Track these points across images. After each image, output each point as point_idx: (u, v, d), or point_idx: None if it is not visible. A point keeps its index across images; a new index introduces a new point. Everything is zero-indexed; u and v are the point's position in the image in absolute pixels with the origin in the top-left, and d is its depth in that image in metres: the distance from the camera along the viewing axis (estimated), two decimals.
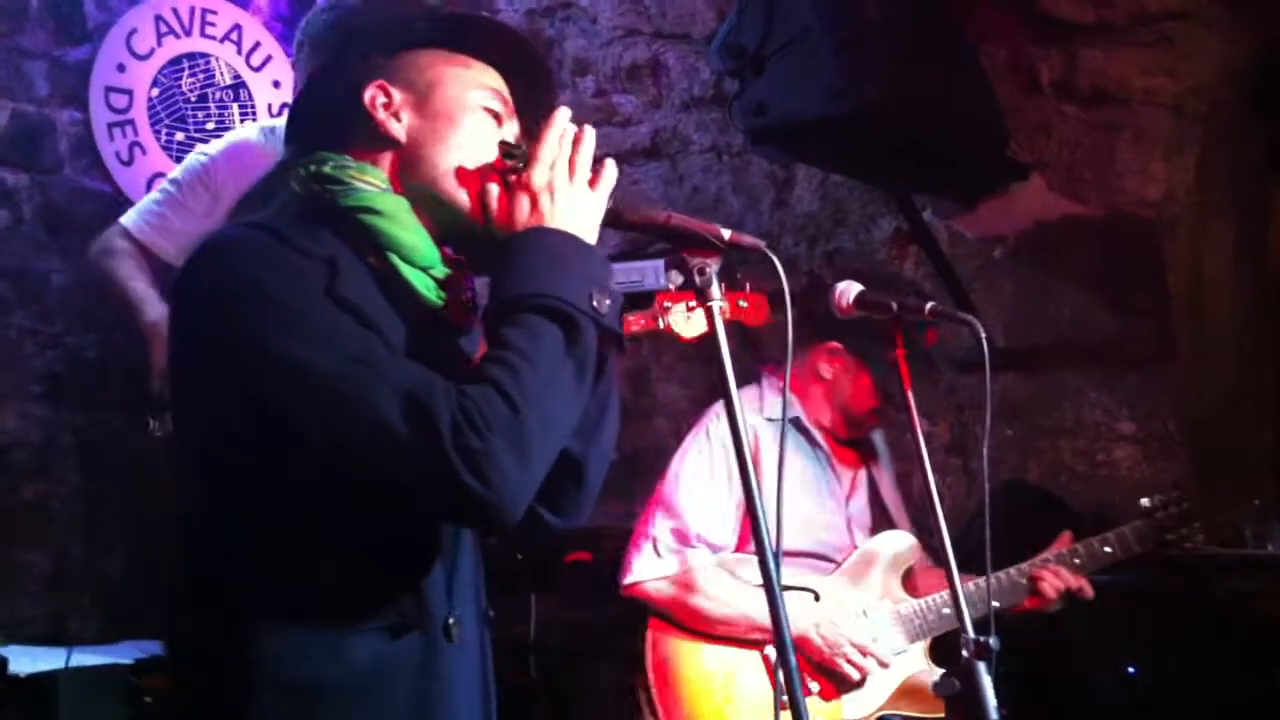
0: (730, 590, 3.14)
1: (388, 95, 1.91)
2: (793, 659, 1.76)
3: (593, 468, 1.94)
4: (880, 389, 3.36)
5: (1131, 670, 3.75)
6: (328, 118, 1.94)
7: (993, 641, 2.33)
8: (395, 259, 1.82)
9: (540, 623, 4.09)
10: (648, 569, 3.18)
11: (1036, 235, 4.23)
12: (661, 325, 2.59)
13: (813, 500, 3.33)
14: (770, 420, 3.30)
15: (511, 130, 1.95)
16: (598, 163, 1.88)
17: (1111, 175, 4.05)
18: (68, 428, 4.44)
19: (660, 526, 3.21)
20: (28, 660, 3.61)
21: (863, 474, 3.46)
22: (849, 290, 2.61)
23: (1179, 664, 3.69)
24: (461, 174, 1.87)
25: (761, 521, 1.79)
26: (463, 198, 1.86)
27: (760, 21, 3.52)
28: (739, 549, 3.22)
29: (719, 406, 3.25)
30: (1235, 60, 4.02)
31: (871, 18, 3.51)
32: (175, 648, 1.90)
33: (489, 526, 1.76)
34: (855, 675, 3.16)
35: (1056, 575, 3.28)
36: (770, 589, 1.78)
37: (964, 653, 2.34)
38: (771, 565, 1.78)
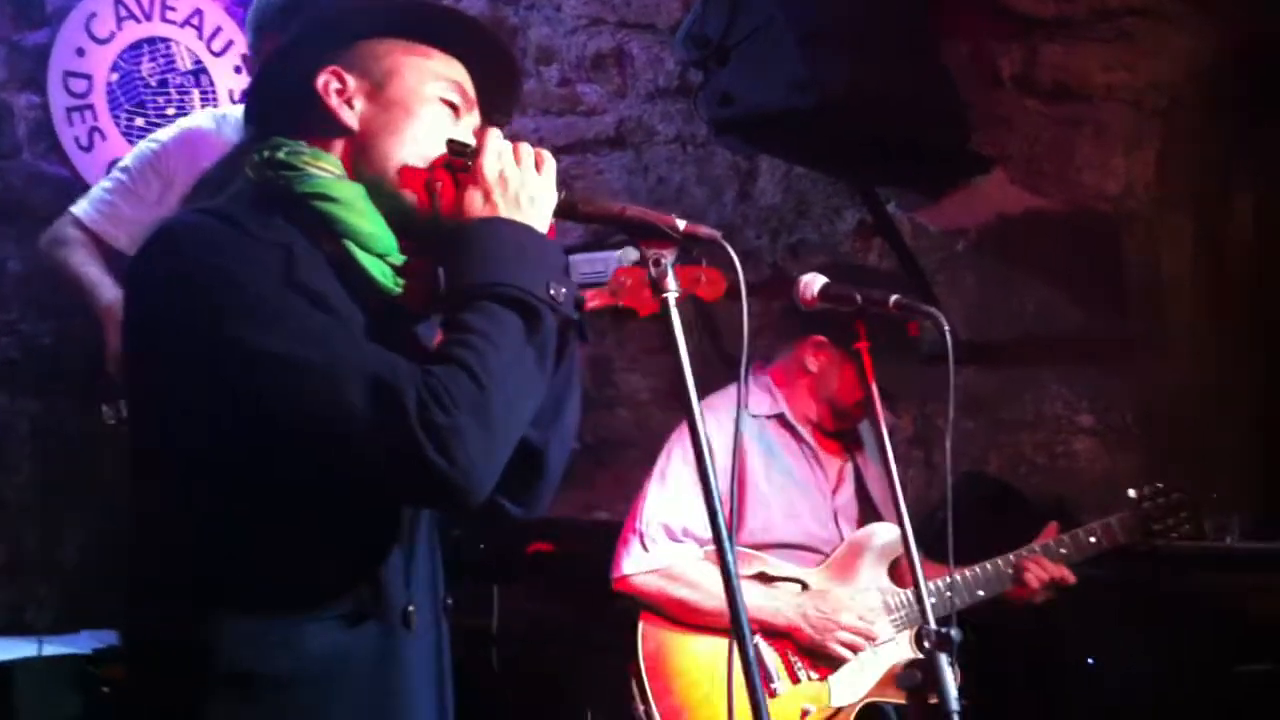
0: (716, 582, 3.14)
1: (341, 82, 1.89)
2: (750, 645, 1.76)
3: (553, 456, 1.94)
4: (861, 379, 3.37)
5: (1090, 662, 3.78)
6: (281, 103, 1.91)
7: (955, 633, 2.34)
8: (351, 246, 1.81)
9: (502, 613, 4.09)
10: (636, 563, 3.21)
11: (999, 228, 4.25)
12: (619, 300, 2.57)
13: (799, 494, 3.35)
14: (755, 416, 3.35)
15: (470, 122, 1.93)
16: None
17: (1071, 169, 4.08)
18: (23, 415, 4.40)
19: (647, 521, 3.24)
20: None
21: (849, 466, 3.47)
22: (813, 283, 2.61)
23: (1139, 657, 3.72)
24: (411, 166, 1.86)
25: (719, 513, 1.79)
26: (412, 189, 1.85)
27: (725, 12, 3.52)
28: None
29: (706, 400, 3.26)
30: (1196, 57, 4.05)
31: (835, 10, 3.52)
32: (129, 636, 1.88)
33: (452, 506, 1.75)
34: (848, 655, 3.20)
35: (1041, 565, 3.32)
36: (727, 576, 1.79)
37: (925, 644, 2.35)
38: (729, 555, 1.79)
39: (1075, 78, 3.97)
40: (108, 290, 3.53)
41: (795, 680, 3.19)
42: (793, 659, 3.21)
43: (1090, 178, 4.07)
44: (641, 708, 3.14)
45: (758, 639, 3.15)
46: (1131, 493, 3.43)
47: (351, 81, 1.89)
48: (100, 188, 3.75)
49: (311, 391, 1.65)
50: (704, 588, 3.15)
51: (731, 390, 3.35)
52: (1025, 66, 3.99)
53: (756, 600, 3.14)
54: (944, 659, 2.32)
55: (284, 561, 1.75)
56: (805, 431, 3.41)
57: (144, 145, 3.74)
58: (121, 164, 3.76)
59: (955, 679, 2.33)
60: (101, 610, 4.08)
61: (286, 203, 1.81)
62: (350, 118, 1.88)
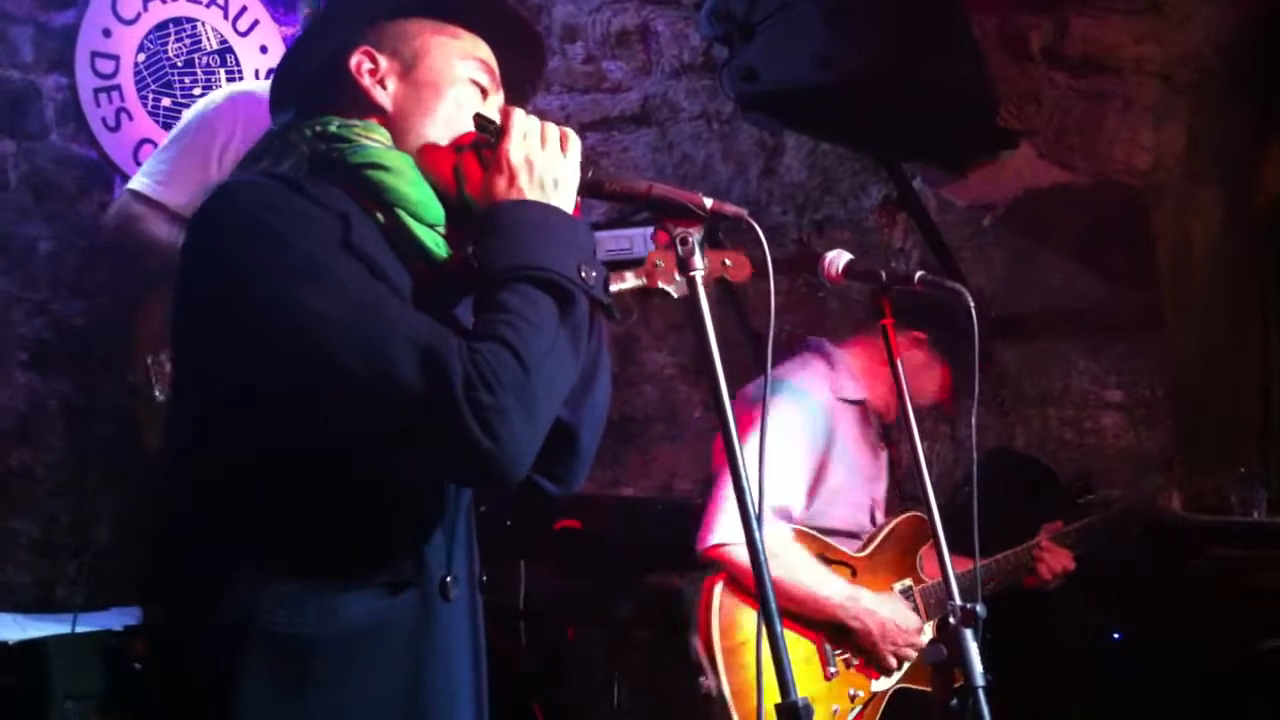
0: (806, 564, 3.17)
1: (374, 62, 1.90)
2: (777, 621, 1.76)
3: (586, 434, 1.95)
4: (954, 386, 3.37)
5: (1117, 636, 3.77)
6: (314, 82, 1.93)
7: (979, 608, 2.34)
8: (404, 215, 1.82)
9: (529, 589, 4.11)
10: (729, 533, 3.12)
11: (1025, 203, 4.23)
12: (653, 283, 2.57)
13: (857, 481, 3.36)
14: (848, 401, 3.34)
15: (497, 102, 1.94)
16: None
17: (1100, 143, 4.05)
18: (54, 395, 4.43)
19: None
20: (16, 628, 3.61)
21: (886, 455, 3.48)
22: (838, 259, 2.61)
23: (1164, 631, 3.71)
24: (436, 145, 1.87)
25: (745, 490, 1.78)
26: (438, 171, 1.86)
27: None
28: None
29: (783, 373, 3.28)
30: (1224, 30, 4.02)
31: None
32: (159, 602, 1.85)
33: (491, 483, 1.76)
34: (895, 666, 3.23)
35: (1054, 556, 3.39)
36: (755, 553, 1.78)
37: (951, 620, 2.35)
38: (756, 531, 1.79)
39: (1104, 51, 3.94)
40: None
41: (847, 666, 3.21)
42: (839, 649, 3.22)
43: (1119, 152, 4.04)
44: (710, 681, 3.08)
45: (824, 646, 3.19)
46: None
47: (383, 62, 1.90)
48: (153, 159, 3.78)
49: (361, 358, 1.65)
50: (795, 568, 3.14)
51: (815, 367, 3.36)
52: (1054, 40, 3.97)
53: (835, 589, 3.17)
54: (969, 634, 2.32)
55: (326, 529, 1.75)
56: (875, 421, 3.41)
57: (193, 110, 3.79)
58: (171, 133, 3.80)
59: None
60: (132, 588, 4.11)
61: (340, 173, 1.82)
62: (384, 98, 1.89)
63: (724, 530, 3.14)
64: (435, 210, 1.84)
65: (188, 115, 3.82)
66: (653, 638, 4.08)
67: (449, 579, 1.85)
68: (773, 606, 1.75)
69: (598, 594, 4.17)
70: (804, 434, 3.26)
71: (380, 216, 1.82)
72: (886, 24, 3.55)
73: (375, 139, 1.85)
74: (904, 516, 3.41)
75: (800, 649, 3.15)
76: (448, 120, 1.88)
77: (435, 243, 1.83)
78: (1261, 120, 4.31)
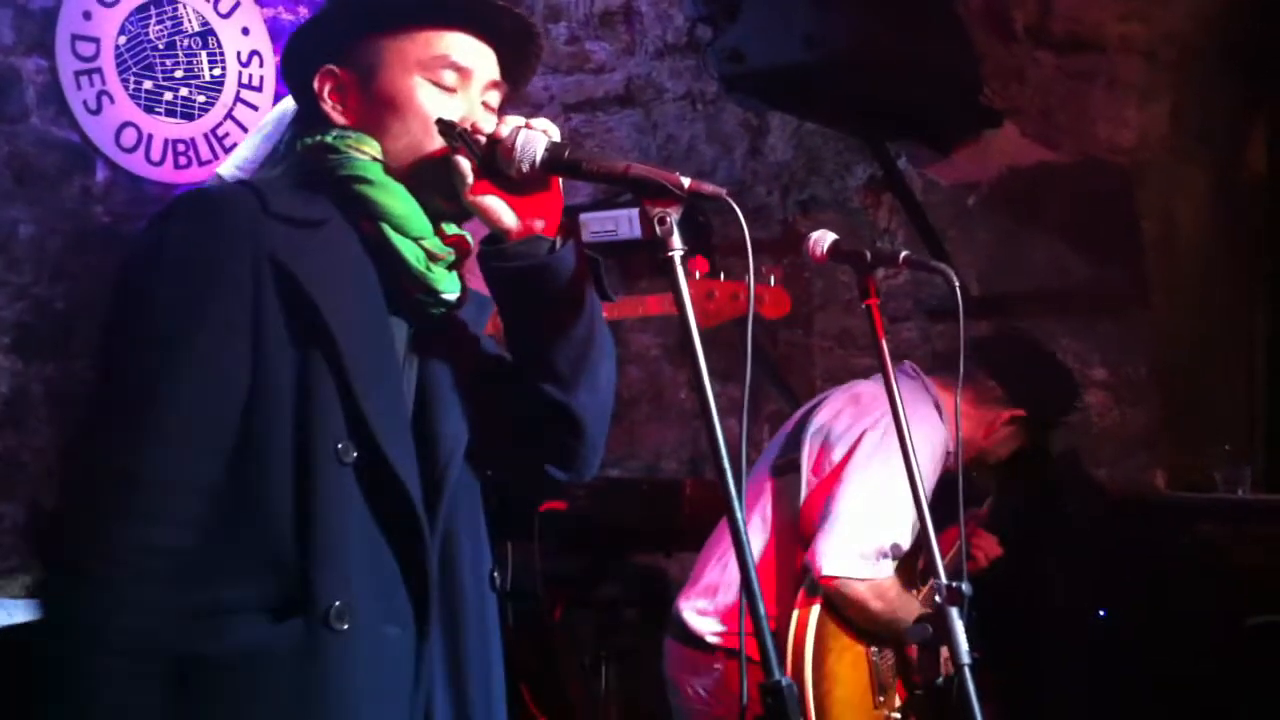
0: (907, 605, 3.07)
1: (334, 80, 1.88)
2: (768, 633, 1.74)
3: (591, 418, 1.93)
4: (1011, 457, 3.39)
5: (1102, 613, 3.79)
6: (296, 99, 1.95)
7: (965, 587, 2.34)
8: (386, 228, 1.81)
9: (516, 571, 4.11)
10: (852, 568, 3.01)
11: (1010, 182, 4.23)
12: (720, 320, 2.56)
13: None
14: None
15: (479, 85, 1.90)
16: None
17: (1085, 122, 4.05)
18: (37, 379, 4.41)
19: (871, 534, 3.04)
20: (2, 614, 3.60)
21: None
22: (823, 239, 2.60)
23: (1149, 609, 3.73)
24: (406, 160, 1.85)
25: (730, 478, 1.77)
26: (433, 178, 1.84)
27: None
28: None
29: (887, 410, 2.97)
30: (1210, 7, 4.02)
31: None
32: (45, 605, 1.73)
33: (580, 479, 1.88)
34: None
35: (985, 541, 3.43)
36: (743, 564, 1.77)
37: (936, 598, 2.36)
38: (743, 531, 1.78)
39: (1089, 29, 3.94)
40: None
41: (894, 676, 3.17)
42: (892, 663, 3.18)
43: (1104, 130, 4.04)
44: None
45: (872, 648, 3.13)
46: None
47: (343, 77, 1.88)
48: (244, 146, 3.75)
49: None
50: (899, 610, 3.03)
51: (928, 411, 3.19)
52: (1038, 18, 3.96)
53: (909, 612, 3.02)
54: (954, 612, 2.33)
55: (204, 540, 1.69)
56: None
57: (281, 107, 3.78)
58: (258, 125, 3.77)
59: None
60: None
61: (328, 185, 1.83)
62: (341, 117, 1.87)
63: (845, 563, 3.01)
64: (420, 223, 1.83)
65: (275, 110, 3.78)
66: (640, 618, 4.09)
67: (337, 604, 1.70)
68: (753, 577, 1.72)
69: (585, 575, 4.18)
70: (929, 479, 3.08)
71: (366, 228, 1.82)
72: (871, 3, 3.55)
73: (366, 151, 1.84)
74: None
75: (859, 684, 3.10)
76: (411, 129, 1.85)
77: (416, 257, 1.82)
78: (1247, 98, 4.31)
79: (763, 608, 1.70)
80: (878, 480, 3.04)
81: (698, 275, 3.23)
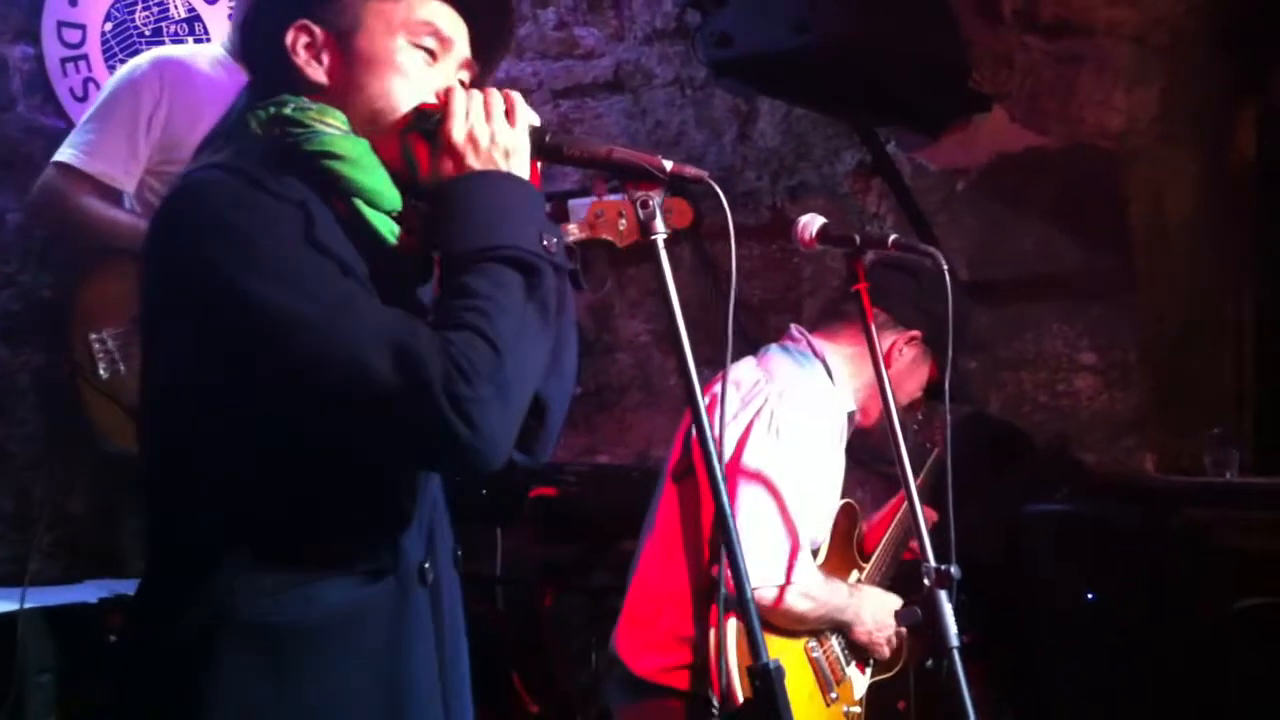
0: (832, 594, 2.99)
1: (310, 35, 1.84)
2: (755, 616, 1.74)
3: (554, 403, 1.93)
4: (934, 384, 3.15)
5: (1090, 597, 3.79)
6: (263, 58, 1.88)
7: (954, 570, 2.35)
8: (360, 204, 1.79)
9: (506, 557, 4.12)
10: (777, 575, 2.86)
11: (999, 167, 4.23)
12: (596, 234, 2.49)
13: (835, 493, 3.13)
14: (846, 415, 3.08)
15: (455, 59, 1.88)
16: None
17: (1073, 107, 4.05)
18: (25, 368, 4.40)
19: (794, 538, 2.93)
20: None
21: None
22: (812, 223, 2.60)
23: (1137, 593, 3.74)
24: (383, 134, 1.83)
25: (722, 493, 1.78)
26: (388, 157, 1.82)
27: None
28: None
29: (772, 389, 2.97)
30: None
31: None
32: (141, 590, 1.85)
33: (472, 472, 1.75)
34: (888, 654, 3.09)
35: (925, 511, 3.32)
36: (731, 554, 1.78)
37: (925, 582, 2.36)
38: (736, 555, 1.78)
39: (1077, 14, 3.93)
40: (127, 220, 3.55)
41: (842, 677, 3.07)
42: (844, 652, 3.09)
43: (1092, 115, 4.04)
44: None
45: (810, 643, 3.01)
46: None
47: (319, 34, 1.84)
48: (80, 130, 3.71)
49: (335, 360, 1.64)
50: (830, 600, 2.95)
51: (816, 378, 3.07)
52: (1027, 3, 3.95)
53: (842, 599, 2.99)
54: (943, 595, 2.34)
55: (302, 516, 1.75)
56: (850, 426, 3.16)
57: (115, 78, 3.73)
58: (95, 103, 3.74)
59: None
60: (108, 561, 4.10)
61: (296, 162, 1.78)
62: (319, 74, 1.84)
63: (758, 572, 2.81)
64: (392, 197, 1.81)
65: (111, 83, 3.74)
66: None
67: (425, 565, 1.85)
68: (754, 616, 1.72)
69: (575, 561, 4.18)
70: (829, 465, 3.05)
71: (337, 205, 1.79)
72: None
73: (331, 124, 1.80)
74: (836, 513, 3.14)
75: (804, 685, 2.96)
76: (392, 91, 1.83)
77: (390, 230, 1.80)
78: (1237, 83, 4.31)
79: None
80: (773, 476, 2.88)
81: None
